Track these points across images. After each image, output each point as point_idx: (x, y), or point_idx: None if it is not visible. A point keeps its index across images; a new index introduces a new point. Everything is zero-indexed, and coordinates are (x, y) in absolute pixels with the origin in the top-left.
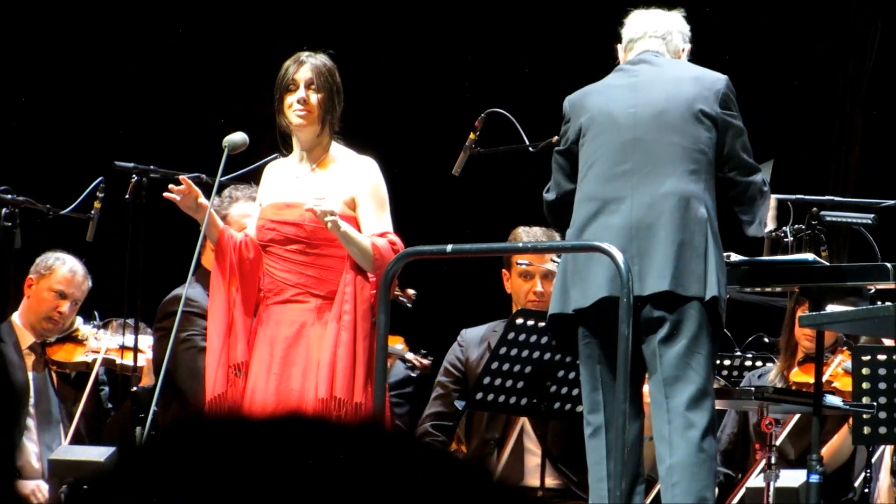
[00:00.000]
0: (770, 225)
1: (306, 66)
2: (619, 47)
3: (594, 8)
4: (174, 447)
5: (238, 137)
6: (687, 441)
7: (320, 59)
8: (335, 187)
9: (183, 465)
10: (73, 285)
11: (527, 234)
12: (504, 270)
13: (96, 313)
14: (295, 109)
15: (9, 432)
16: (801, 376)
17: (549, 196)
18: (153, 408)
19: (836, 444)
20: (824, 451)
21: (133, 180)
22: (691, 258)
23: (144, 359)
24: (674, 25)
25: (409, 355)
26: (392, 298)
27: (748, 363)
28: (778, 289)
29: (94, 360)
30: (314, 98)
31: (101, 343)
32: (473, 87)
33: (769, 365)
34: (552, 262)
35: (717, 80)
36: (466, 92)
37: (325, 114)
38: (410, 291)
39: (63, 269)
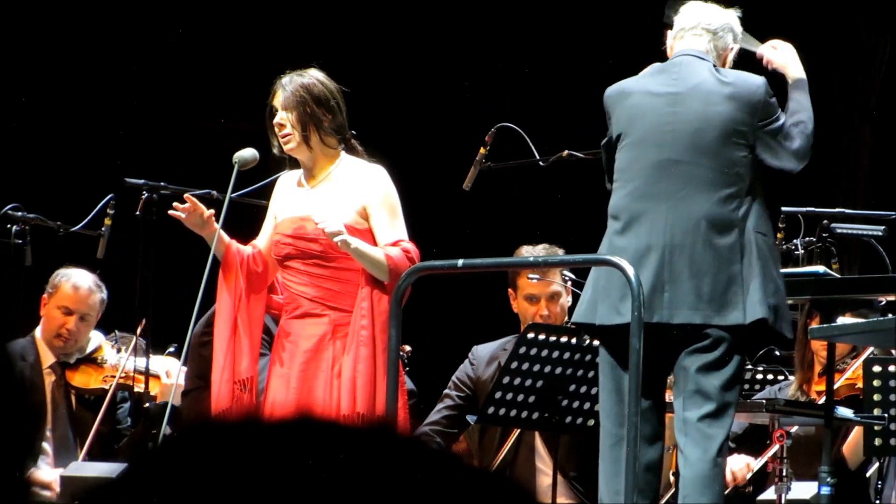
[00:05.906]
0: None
1: (279, 91)
2: (670, 34)
3: (602, 22)
4: (183, 452)
5: (248, 153)
6: (701, 455)
7: (295, 79)
8: (345, 198)
9: (192, 470)
10: (77, 301)
11: (529, 253)
12: (510, 290)
13: (116, 332)
14: (279, 136)
15: (21, 454)
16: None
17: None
18: (164, 424)
19: (856, 438)
20: (845, 448)
21: (143, 197)
22: (726, 286)
23: (162, 380)
24: (728, 23)
25: None
26: None
27: (759, 376)
28: (789, 301)
29: (111, 386)
30: (288, 120)
31: (119, 364)
32: (484, 102)
33: (791, 378)
34: (558, 283)
35: (753, 92)
36: (477, 106)
37: (303, 130)
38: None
39: (67, 285)
